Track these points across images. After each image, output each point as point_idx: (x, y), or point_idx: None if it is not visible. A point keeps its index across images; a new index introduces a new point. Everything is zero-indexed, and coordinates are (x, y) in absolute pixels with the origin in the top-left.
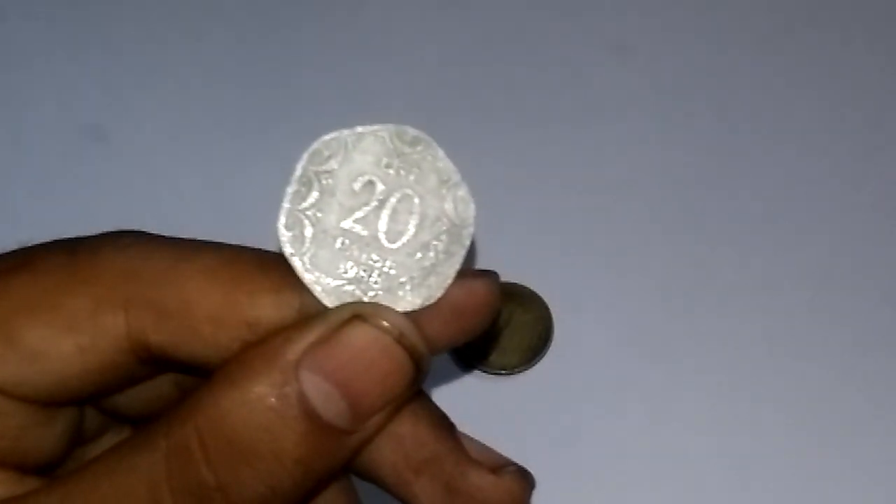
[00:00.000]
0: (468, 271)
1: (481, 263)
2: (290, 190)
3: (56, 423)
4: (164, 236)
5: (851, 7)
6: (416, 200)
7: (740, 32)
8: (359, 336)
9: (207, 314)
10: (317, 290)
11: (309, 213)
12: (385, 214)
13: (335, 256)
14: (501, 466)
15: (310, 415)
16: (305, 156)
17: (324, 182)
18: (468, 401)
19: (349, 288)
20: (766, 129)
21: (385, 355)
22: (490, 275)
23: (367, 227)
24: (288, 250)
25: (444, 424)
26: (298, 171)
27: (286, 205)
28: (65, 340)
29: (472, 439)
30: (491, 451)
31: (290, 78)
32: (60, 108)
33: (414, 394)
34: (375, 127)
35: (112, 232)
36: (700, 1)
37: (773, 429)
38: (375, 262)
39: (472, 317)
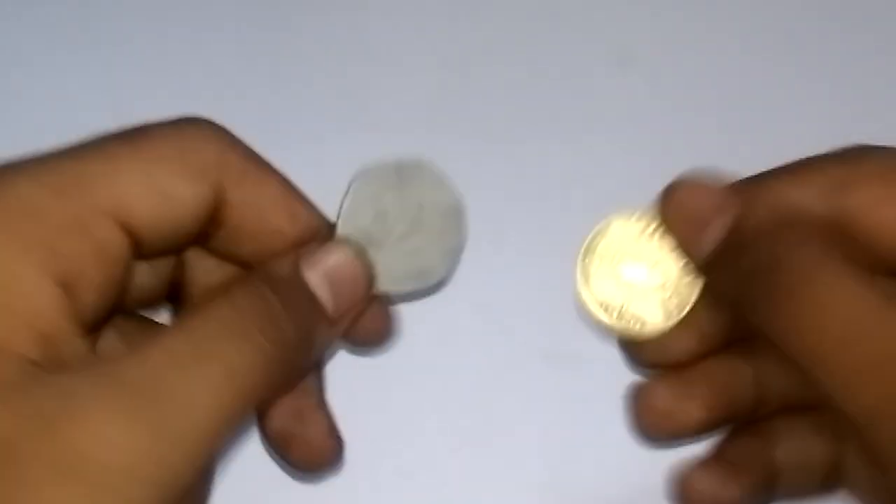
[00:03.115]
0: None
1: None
2: (390, 163)
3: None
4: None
5: (861, 20)
6: (431, 242)
7: (745, 42)
8: (349, 250)
9: (274, 194)
10: (343, 218)
11: (384, 184)
12: (411, 229)
13: (369, 215)
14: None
15: (310, 291)
16: (415, 160)
17: (406, 181)
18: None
19: (359, 236)
20: (771, 139)
21: (358, 267)
22: (397, 322)
23: (398, 223)
24: (352, 186)
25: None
26: (404, 160)
27: (378, 168)
28: (186, 187)
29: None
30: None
31: (291, 80)
32: (61, 109)
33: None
34: (454, 186)
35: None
36: (704, 11)
37: None
38: (381, 242)
39: (374, 327)
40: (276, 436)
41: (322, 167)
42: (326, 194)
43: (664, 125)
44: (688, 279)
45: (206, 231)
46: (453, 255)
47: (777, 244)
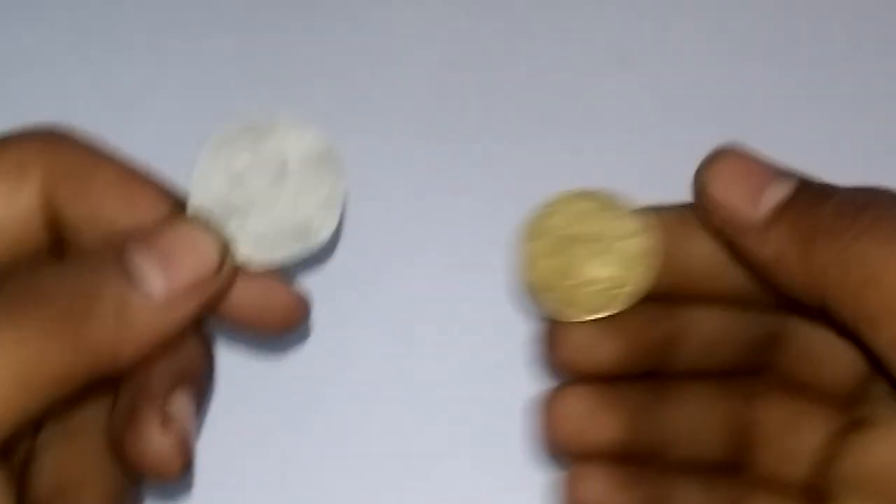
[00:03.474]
0: (295, 285)
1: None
2: (237, 123)
3: None
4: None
5: (861, 20)
6: (302, 196)
7: (745, 44)
8: (186, 224)
9: (106, 181)
10: (193, 194)
11: (235, 145)
12: (276, 186)
13: (225, 183)
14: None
15: (123, 264)
16: (263, 112)
17: (261, 136)
18: None
19: (217, 208)
20: (770, 140)
21: (198, 240)
22: (306, 300)
23: (260, 183)
24: (199, 158)
25: (178, 376)
26: (252, 116)
27: (224, 131)
28: (4, 199)
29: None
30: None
31: (292, 82)
32: (61, 111)
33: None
34: (320, 130)
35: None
36: (704, 12)
37: None
38: (245, 208)
39: (272, 309)
40: (110, 438)
41: None
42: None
43: (664, 126)
44: (637, 269)
45: (60, 236)
46: (330, 205)
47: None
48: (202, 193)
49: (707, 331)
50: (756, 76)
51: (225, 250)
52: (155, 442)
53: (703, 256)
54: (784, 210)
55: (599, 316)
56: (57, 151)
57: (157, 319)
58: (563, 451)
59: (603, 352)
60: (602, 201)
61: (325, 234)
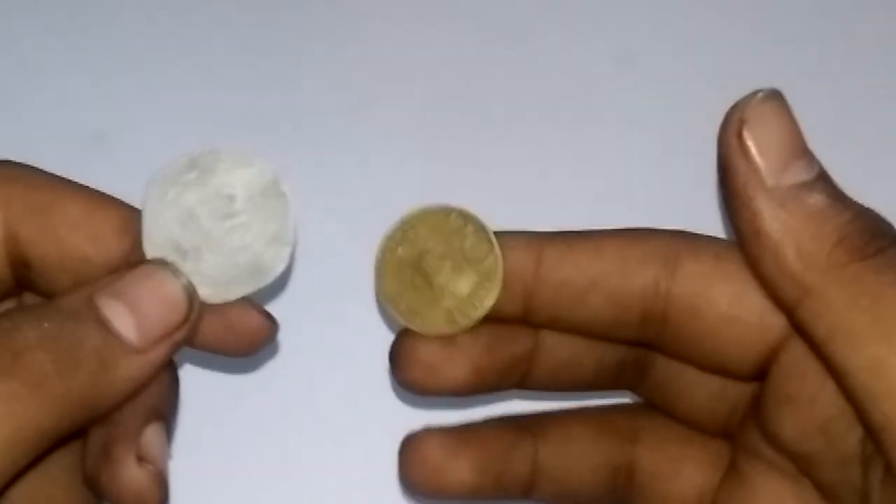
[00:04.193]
0: (259, 307)
1: None
2: (181, 160)
3: None
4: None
5: (861, 21)
6: (252, 232)
7: (744, 43)
8: (152, 272)
9: (69, 218)
10: (146, 237)
11: (181, 183)
12: (227, 223)
13: (175, 224)
14: (147, 460)
15: (101, 321)
16: (209, 148)
17: (206, 173)
18: None
19: (170, 250)
20: None
21: (167, 288)
22: (271, 320)
23: (210, 221)
24: (146, 198)
25: (149, 411)
26: (196, 153)
27: (169, 169)
28: None
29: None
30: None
31: (292, 84)
32: (61, 113)
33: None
34: (264, 162)
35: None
36: (704, 11)
37: None
38: (197, 248)
39: (237, 334)
40: (86, 475)
41: (322, 168)
42: (328, 195)
43: (664, 126)
44: (485, 292)
45: (22, 274)
46: (281, 239)
47: None
48: (156, 234)
49: (561, 354)
50: (756, 76)
51: (191, 292)
52: (132, 477)
53: (560, 284)
54: (806, 194)
55: (448, 333)
56: (17, 189)
57: (135, 367)
58: (422, 494)
59: (448, 371)
60: (463, 218)
61: (278, 269)
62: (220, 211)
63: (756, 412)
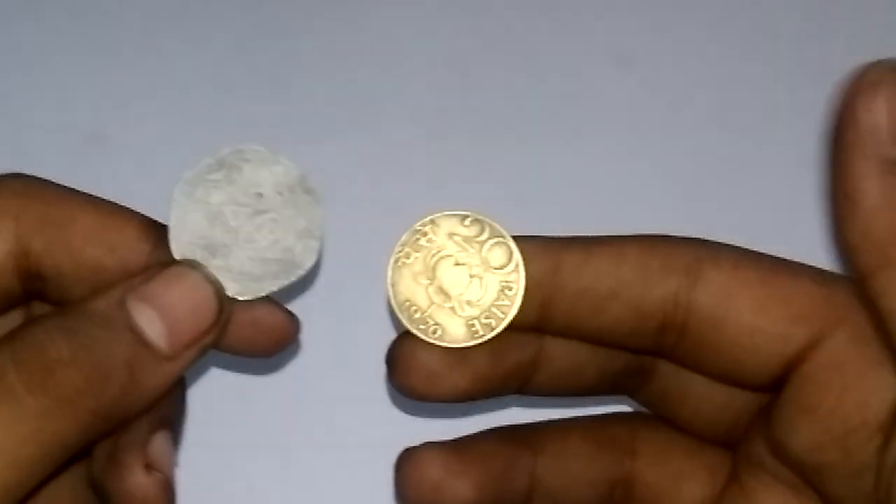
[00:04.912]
0: (282, 306)
1: None
2: (207, 160)
3: None
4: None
5: (860, 21)
6: (281, 227)
7: (744, 44)
8: (182, 274)
9: (83, 229)
10: (173, 237)
11: (209, 183)
12: (255, 220)
13: (204, 221)
14: (154, 468)
15: (133, 329)
16: (234, 147)
17: (233, 171)
18: None
19: (198, 248)
20: (770, 140)
21: (198, 292)
22: (294, 319)
23: (238, 218)
24: (173, 199)
25: (157, 419)
26: (222, 153)
27: (195, 170)
28: None
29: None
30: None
31: (292, 84)
32: (61, 113)
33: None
34: (289, 162)
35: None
36: (703, 13)
37: None
38: (226, 245)
39: (263, 333)
40: (94, 482)
41: (322, 169)
42: (328, 196)
43: (664, 126)
44: (508, 301)
45: (35, 286)
46: (310, 235)
47: None
48: (183, 233)
49: (564, 361)
50: (756, 76)
51: (221, 295)
52: (140, 484)
53: (580, 292)
54: None
55: (469, 344)
56: (30, 202)
57: (163, 375)
58: None
59: (448, 379)
60: (478, 224)
61: (308, 264)
62: (248, 208)
63: (763, 422)
